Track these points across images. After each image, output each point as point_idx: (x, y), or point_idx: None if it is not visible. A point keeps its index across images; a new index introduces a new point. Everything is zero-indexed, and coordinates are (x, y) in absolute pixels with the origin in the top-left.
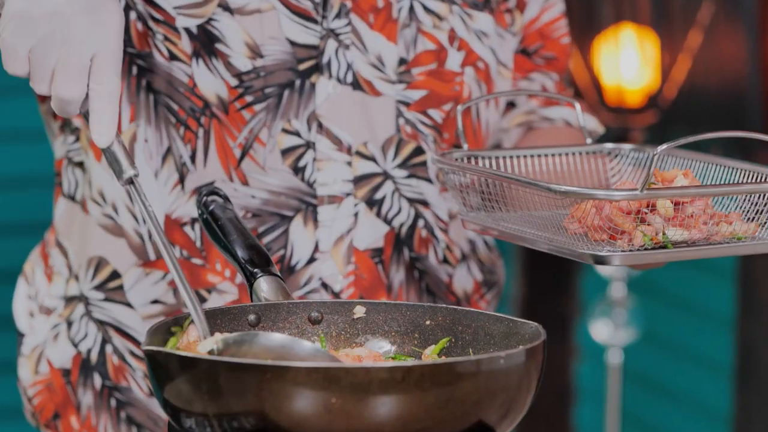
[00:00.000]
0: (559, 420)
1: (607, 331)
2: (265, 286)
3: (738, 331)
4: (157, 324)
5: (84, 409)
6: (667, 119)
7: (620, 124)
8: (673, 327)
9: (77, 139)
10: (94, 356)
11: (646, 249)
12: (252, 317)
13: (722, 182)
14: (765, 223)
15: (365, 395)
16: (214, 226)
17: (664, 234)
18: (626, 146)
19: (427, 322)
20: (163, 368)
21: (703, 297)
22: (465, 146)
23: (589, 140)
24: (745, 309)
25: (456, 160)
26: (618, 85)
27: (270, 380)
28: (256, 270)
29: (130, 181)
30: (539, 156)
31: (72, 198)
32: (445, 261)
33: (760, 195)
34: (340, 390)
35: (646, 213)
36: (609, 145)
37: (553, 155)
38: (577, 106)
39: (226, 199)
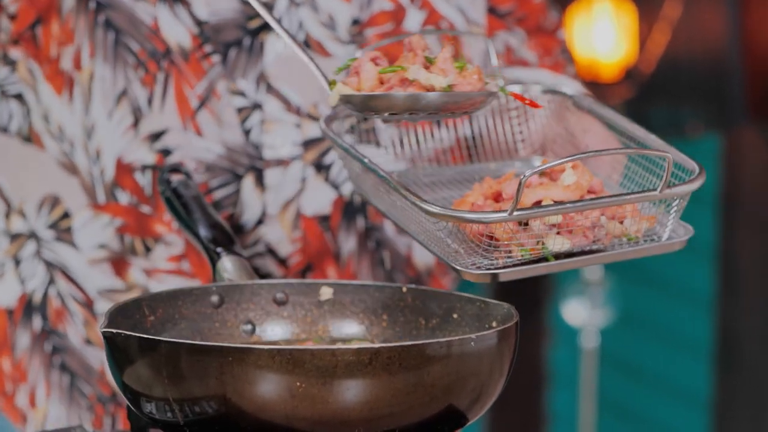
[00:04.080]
0: (532, 405)
1: (582, 312)
2: (228, 266)
3: (718, 312)
4: (116, 305)
5: (18, 352)
6: (644, 93)
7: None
8: (650, 308)
9: (14, 71)
10: (38, 297)
11: (523, 264)
12: (215, 298)
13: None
14: (667, 217)
15: (331, 379)
16: (176, 203)
17: (543, 245)
18: (536, 87)
19: (397, 303)
20: (122, 351)
21: (682, 276)
22: None
23: (501, 82)
24: (726, 289)
25: (343, 118)
26: (592, 57)
27: (232, 363)
28: (219, 249)
29: None
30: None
31: (4, 130)
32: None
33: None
34: (305, 373)
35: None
36: (516, 87)
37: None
38: (489, 43)
39: (188, 175)
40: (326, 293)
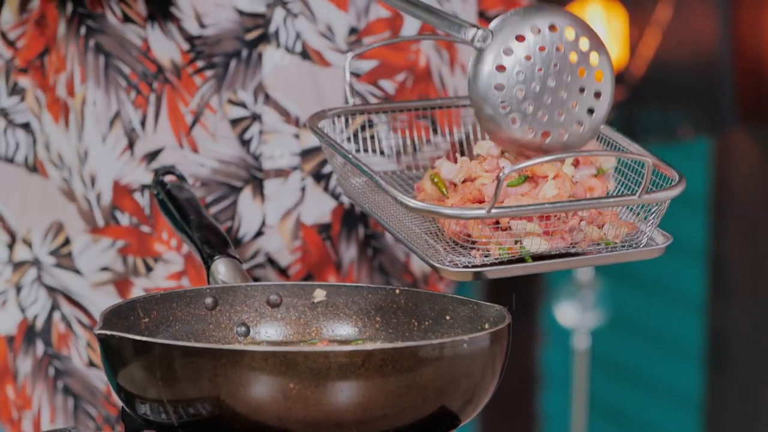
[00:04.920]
0: (524, 406)
1: (574, 314)
2: (222, 269)
3: (709, 315)
4: (111, 307)
5: (21, 378)
6: (635, 97)
7: None
8: (642, 310)
9: (22, 100)
10: (40, 323)
11: (501, 263)
12: (209, 300)
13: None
14: (645, 224)
15: (324, 381)
16: (170, 206)
17: (521, 245)
18: None
19: (390, 305)
20: (116, 353)
21: (673, 279)
22: (351, 101)
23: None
24: (716, 291)
25: (332, 117)
26: None
27: (225, 365)
28: (213, 252)
29: None
30: (417, 110)
31: (10, 161)
32: None
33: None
34: (298, 375)
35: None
36: None
37: (430, 109)
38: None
39: (182, 178)
40: (319, 295)
